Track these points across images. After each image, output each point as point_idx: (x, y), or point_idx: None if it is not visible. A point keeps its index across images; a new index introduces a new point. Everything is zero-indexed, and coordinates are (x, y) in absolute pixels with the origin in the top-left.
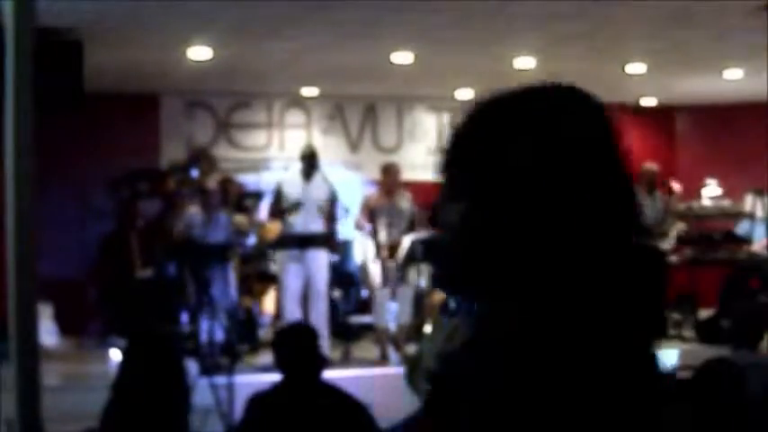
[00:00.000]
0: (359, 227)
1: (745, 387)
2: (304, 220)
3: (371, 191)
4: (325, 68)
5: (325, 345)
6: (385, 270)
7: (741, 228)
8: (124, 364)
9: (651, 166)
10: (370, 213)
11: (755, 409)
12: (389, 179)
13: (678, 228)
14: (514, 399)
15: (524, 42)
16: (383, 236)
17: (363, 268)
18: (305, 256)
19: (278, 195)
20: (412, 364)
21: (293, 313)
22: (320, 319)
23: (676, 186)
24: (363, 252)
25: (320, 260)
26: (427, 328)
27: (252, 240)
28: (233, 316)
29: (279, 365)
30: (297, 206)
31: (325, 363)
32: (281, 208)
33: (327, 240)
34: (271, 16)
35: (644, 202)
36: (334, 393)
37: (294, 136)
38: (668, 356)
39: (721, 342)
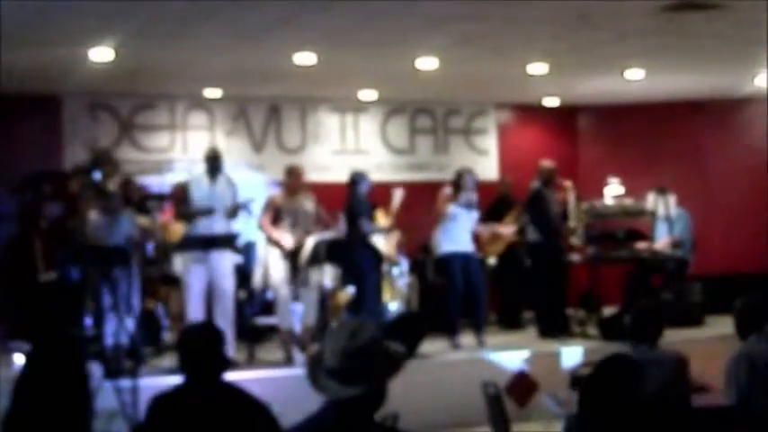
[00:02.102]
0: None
1: (643, 383)
2: (209, 221)
3: (275, 191)
4: (228, 70)
5: (231, 346)
6: (288, 270)
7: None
8: (27, 368)
9: (547, 162)
10: (275, 213)
11: (652, 405)
12: (293, 180)
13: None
14: None
15: (426, 43)
16: (287, 237)
17: (265, 269)
18: (209, 257)
19: (183, 197)
20: (314, 362)
21: (196, 315)
22: (225, 319)
23: (567, 184)
24: (265, 252)
25: (225, 261)
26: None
27: (155, 242)
28: (137, 319)
29: (181, 366)
30: (209, 212)
31: (228, 364)
32: (189, 211)
33: (232, 240)
34: (173, 17)
35: (550, 202)
36: (236, 394)
37: (197, 138)
38: (573, 354)
39: (624, 339)
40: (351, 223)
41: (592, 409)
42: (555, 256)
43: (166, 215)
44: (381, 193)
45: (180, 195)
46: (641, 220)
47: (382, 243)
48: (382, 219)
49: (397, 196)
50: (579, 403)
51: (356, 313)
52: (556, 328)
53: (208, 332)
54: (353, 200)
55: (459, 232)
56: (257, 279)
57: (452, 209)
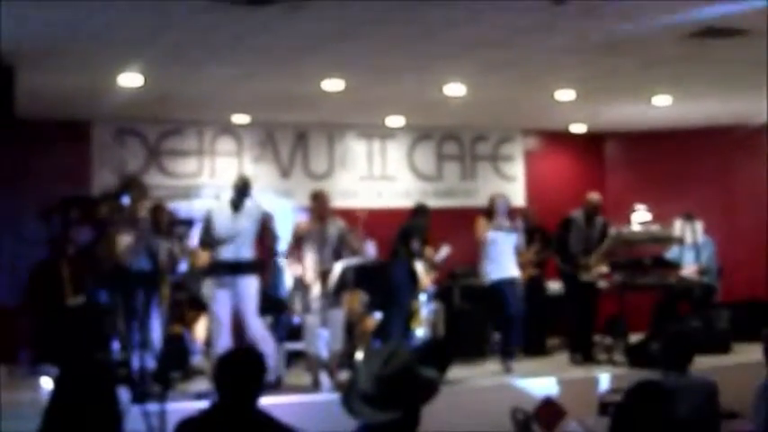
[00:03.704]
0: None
1: (674, 410)
2: (236, 248)
3: (302, 217)
4: (256, 96)
5: (273, 361)
6: (308, 297)
7: (671, 253)
8: (56, 392)
9: (595, 195)
10: (298, 241)
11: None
12: (319, 206)
13: (602, 267)
14: None
15: (454, 69)
16: (310, 262)
17: (292, 295)
18: (234, 282)
19: (207, 225)
20: (348, 387)
21: (224, 341)
22: (259, 335)
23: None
24: (293, 278)
25: (250, 286)
26: (359, 354)
27: (183, 267)
28: (164, 343)
29: (219, 389)
30: (224, 241)
31: (264, 389)
32: (209, 239)
33: (258, 266)
34: (202, 44)
35: (579, 231)
36: (265, 419)
37: (225, 163)
38: (600, 380)
39: (651, 366)
40: (402, 243)
41: None
42: (586, 283)
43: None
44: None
45: (203, 224)
46: (664, 247)
47: (421, 270)
48: (429, 252)
49: (444, 252)
50: (611, 430)
51: (383, 339)
52: (584, 354)
53: (250, 359)
54: (412, 224)
55: (502, 257)
56: (297, 307)
57: (490, 234)
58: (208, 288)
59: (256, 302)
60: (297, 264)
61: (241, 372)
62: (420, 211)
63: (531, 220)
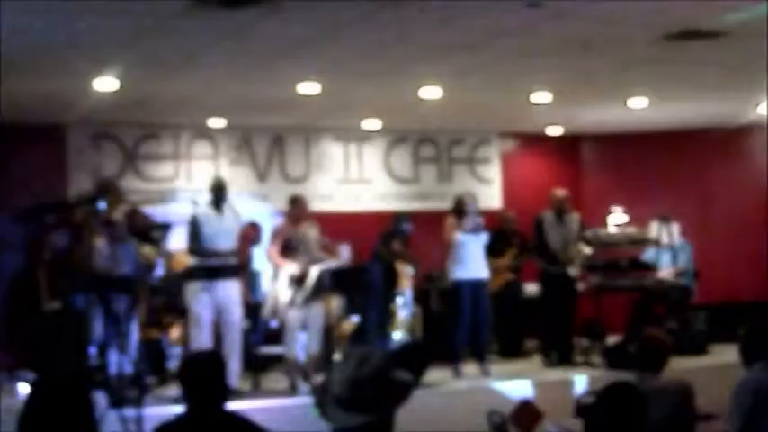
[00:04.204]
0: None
1: (647, 411)
2: (222, 250)
3: (280, 221)
4: (231, 100)
5: (235, 376)
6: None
7: (647, 255)
8: (32, 398)
9: (559, 191)
10: (286, 242)
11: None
12: (297, 210)
13: (584, 252)
14: None
15: (430, 72)
16: (293, 266)
17: (274, 299)
18: (216, 287)
19: (194, 230)
20: (321, 390)
21: (202, 344)
22: (233, 350)
23: (576, 214)
24: (273, 282)
25: (233, 291)
26: (336, 357)
27: (160, 272)
28: (140, 348)
29: (183, 394)
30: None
31: (230, 393)
32: (197, 245)
33: (238, 270)
34: (177, 49)
35: (551, 229)
36: (239, 423)
37: (201, 167)
38: (577, 382)
39: (629, 368)
40: (382, 245)
41: None
42: (566, 284)
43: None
44: (385, 222)
45: (191, 230)
46: (641, 249)
47: (402, 271)
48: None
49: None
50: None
51: (360, 342)
52: (562, 356)
53: (209, 361)
54: (395, 228)
55: (469, 258)
56: (267, 310)
57: (459, 236)
58: (189, 291)
59: (240, 311)
60: (287, 260)
61: (200, 374)
62: (404, 218)
63: (509, 224)
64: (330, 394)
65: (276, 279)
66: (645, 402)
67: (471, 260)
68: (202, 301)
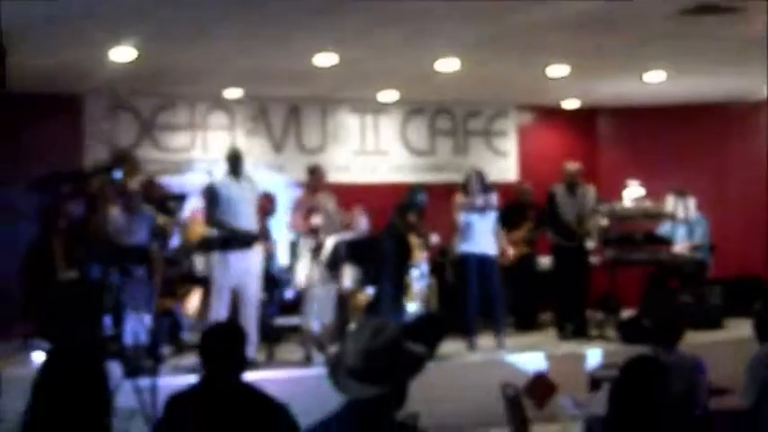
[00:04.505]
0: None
1: (669, 385)
2: (244, 219)
3: (298, 192)
4: (248, 70)
5: (253, 347)
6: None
7: (662, 229)
8: (46, 367)
9: (571, 164)
10: (308, 211)
11: (676, 407)
12: (316, 180)
13: (598, 225)
14: None
15: (447, 44)
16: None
17: (293, 269)
18: (236, 257)
19: (212, 200)
20: (335, 361)
21: (221, 315)
22: (250, 321)
23: (590, 187)
24: (296, 257)
25: (252, 262)
26: (351, 328)
27: (175, 242)
28: (155, 317)
29: (202, 364)
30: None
31: (247, 364)
32: (216, 215)
33: (254, 240)
34: (194, 19)
35: (563, 202)
36: (253, 393)
37: (217, 138)
38: (591, 356)
39: (643, 341)
40: (397, 216)
41: (618, 410)
42: (579, 257)
43: (194, 215)
44: (401, 194)
45: (208, 199)
46: (657, 223)
47: (416, 243)
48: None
49: (433, 240)
50: (609, 404)
51: (375, 314)
52: (576, 329)
53: (230, 332)
54: (411, 200)
55: (476, 234)
56: (300, 281)
57: (463, 217)
58: (205, 261)
59: (259, 284)
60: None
61: (221, 345)
62: (419, 190)
63: (525, 197)
64: (343, 365)
65: (298, 253)
66: (667, 376)
67: (478, 237)
68: (224, 271)
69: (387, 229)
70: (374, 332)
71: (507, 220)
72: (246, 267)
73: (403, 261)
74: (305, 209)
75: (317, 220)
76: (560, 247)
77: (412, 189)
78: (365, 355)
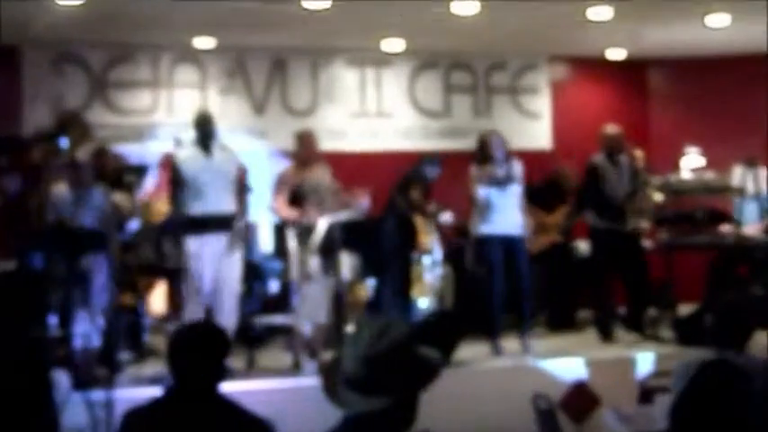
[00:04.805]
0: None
1: (752, 396)
2: (216, 199)
3: (283, 164)
4: (223, 14)
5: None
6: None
7: (732, 206)
8: None
9: (610, 127)
10: (294, 190)
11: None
12: (306, 149)
13: (652, 201)
14: None
15: None
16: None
17: (286, 259)
18: (210, 242)
19: (175, 177)
20: (330, 370)
21: (194, 313)
22: (229, 319)
23: (638, 154)
24: (286, 240)
25: (232, 251)
26: (349, 329)
27: (134, 225)
28: (112, 317)
29: (171, 373)
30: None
31: (226, 373)
32: (179, 193)
33: (232, 222)
34: None
35: (607, 175)
36: (230, 409)
37: (186, 97)
38: (642, 361)
39: (704, 343)
40: (399, 193)
41: (688, 427)
42: (630, 242)
43: (157, 191)
44: (408, 164)
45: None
46: (725, 198)
47: (421, 226)
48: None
49: (446, 217)
50: (672, 420)
51: (378, 311)
52: (635, 328)
53: (206, 333)
54: (416, 172)
55: (498, 212)
56: (294, 273)
57: (482, 191)
58: (186, 247)
59: (239, 276)
60: (292, 209)
61: (194, 349)
62: (430, 160)
63: (565, 181)
64: (341, 374)
65: (286, 239)
66: (750, 384)
67: (500, 215)
68: (200, 258)
69: (387, 208)
70: (377, 334)
71: (539, 200)
72: (224, 250)
73: (408, 246)
74: (289, 188)
75: (293, 215)
76: (605, 230)
77: (421, 158)
78: (366, 362)
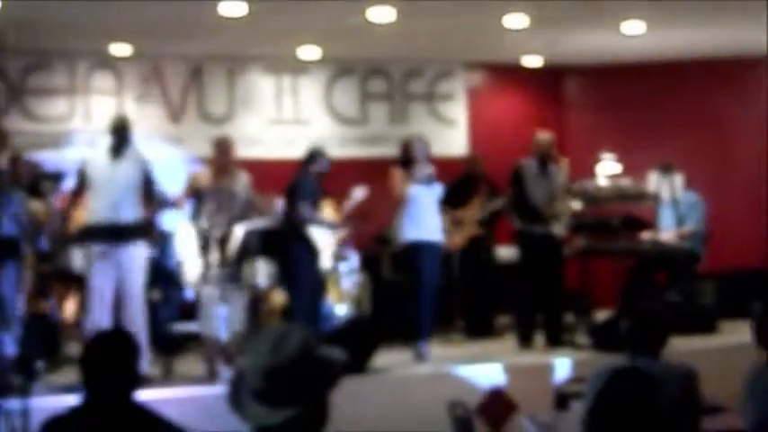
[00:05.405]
0: (178, 204)
1: (660, 401)
2: (116, 207)
3: (198, 169)
4: (139, 22)
5: (146, 361)
6: (208, 267)
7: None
8: None
9: (544, 134)
10: (197, 195)
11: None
12: (223, 156)
13: (571, 208)
14: None
15: None
16: (205, 224)
17: (180, 265)
18: (116, 251)
19: (81, 179)
20: (235, 383)
21: (100, 321)
22: (136, 325)
23: (564, 162)
24: (183, 245)
25: (135, 256)
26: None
27: (48, 231)
28: (26, 325)
29: (84, 381)
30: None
31: (139, 380)
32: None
33: (144, 230)
34: None
35: (534, 181)
36: (146, 416)
37: (102, 104)
38: (558, 367)
39: (620, 349)
40: (290, 206)
41: None
42: (549, 246)
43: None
44: (329, 177)
45: (77, 178)
46: (642, 206)
47: (322, 235)
48: (329, 213)
49: (357, 195)
50: (585, 427)
51: (293, 319)
52: (548, 336)
53: (119, 341)
54: (301, 178)
55: (424, 215)
56: (190, 277)
57: (411, 189)
58: (84, 257)
59: (143, 279)
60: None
61: (108, 357)
62: (311, 157)
63: (475, 168)
64: (245, 387)
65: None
66: (658, 391)
67: (426, 217)
68: (100, 268)
69: (286, 216)
70: (275, 343)
71: (454, 197)
72: (126, 262)
73: (313, 254)
74: (193, 192)
75: (205, 225)
76: (527, 234)
77: (310, 154)
78: (267, 375)
